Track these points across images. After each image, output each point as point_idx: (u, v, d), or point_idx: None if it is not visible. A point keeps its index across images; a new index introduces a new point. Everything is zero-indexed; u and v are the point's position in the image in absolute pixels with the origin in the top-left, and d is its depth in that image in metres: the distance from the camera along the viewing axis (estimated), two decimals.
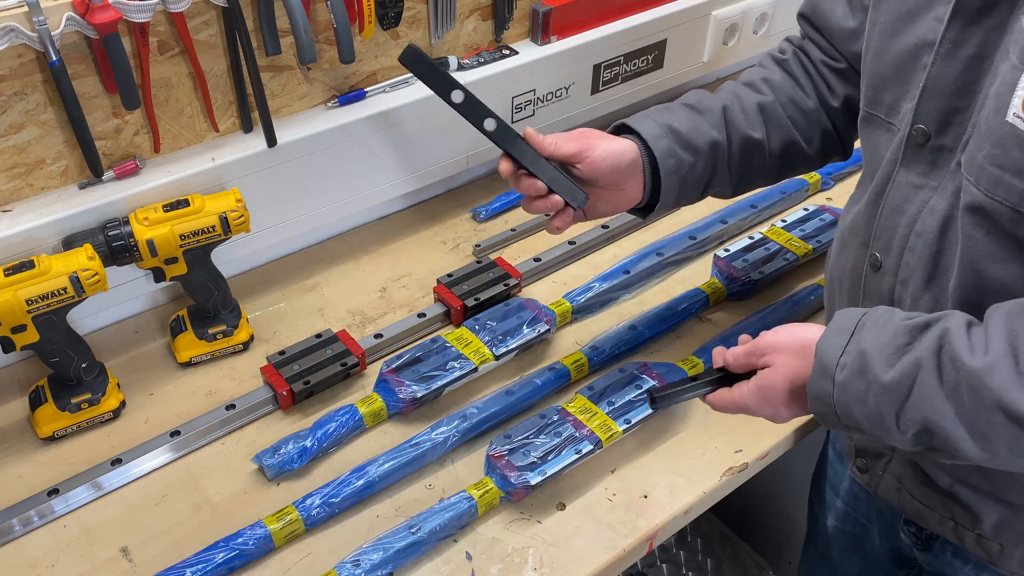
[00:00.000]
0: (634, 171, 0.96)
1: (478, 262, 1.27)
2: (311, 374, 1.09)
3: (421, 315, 1.20)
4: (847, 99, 1.01)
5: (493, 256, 1.30)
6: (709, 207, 1.42)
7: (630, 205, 1.00)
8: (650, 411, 1.03)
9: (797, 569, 1.34)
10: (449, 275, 1.24)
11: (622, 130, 1.01)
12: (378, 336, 1.17)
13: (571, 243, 1.34)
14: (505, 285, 1.23)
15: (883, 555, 1.09)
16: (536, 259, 1.31)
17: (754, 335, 1.16)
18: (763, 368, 0.84)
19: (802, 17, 1.03)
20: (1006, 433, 0.68)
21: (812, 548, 1.23)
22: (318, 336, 1.14)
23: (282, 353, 1.12)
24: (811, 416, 1.08)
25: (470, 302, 1.20)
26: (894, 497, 0.95)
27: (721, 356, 0.90)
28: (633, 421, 1.02)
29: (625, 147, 0.96)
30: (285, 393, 1.07)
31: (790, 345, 0.82)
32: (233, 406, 1.07)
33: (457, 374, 1.08)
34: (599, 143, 0.95)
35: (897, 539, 1.03)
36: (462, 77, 1.30)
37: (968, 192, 0.74)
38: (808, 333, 0.82)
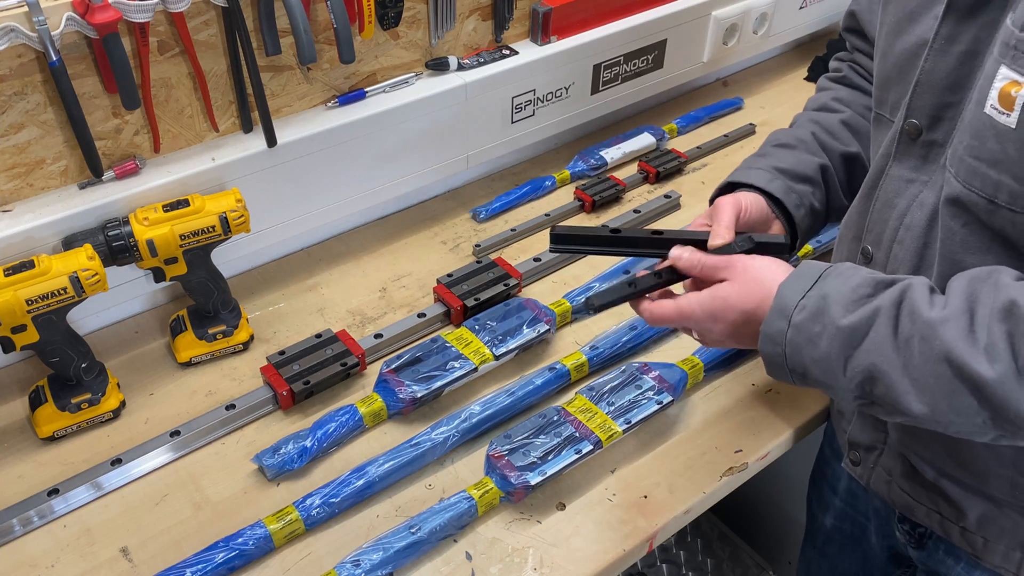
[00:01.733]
0: (770, 217, 0.97)
1: (478, 262, 1.27)
2: (311, 374, 1.09)
3: (421, 315, 1.21)
4: None
5: (493, 256, 1.30)
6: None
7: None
8: (650, 411, 1.03)
9: (796, 567, 1.34)
10: (449, 275, 1.25)
11: (727, 190, 1.01)
12: (378, 336, 1.17)
13: None
14: (505, 285, 1.23)
15: (880, 553, 1.09)
16: (536, 259, 1.31)
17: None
18: (722, 281, 0.84)
19: (848, 31, 1.05)
20: (948, 387, 0.69)
21: (811, 546, 1.24)
22: (318, 336, 1.14)
23: (282, 353, 1.12)
24: (810, 417, 1.09)
25: (470, 302, 1.20)
26: (884, 490, 0.96)
27: (684, 254, 0.87)
28: (633, 421, 1.02)
29: (751, 197, 0.96)
30: (285, 393, 1.07)
31: (759, 280, 0.82)
32: (233, 406, 1.07)
33: (457, 374, 1.08)
34: (741, 198, 0.94)
35: (893, 537, 1.03)
36: (462, 77, 1.30)
37: (948, 184, 0.75)
38: (778, 275, 0.81)
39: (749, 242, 0.89)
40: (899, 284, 0.75)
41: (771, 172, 0.98)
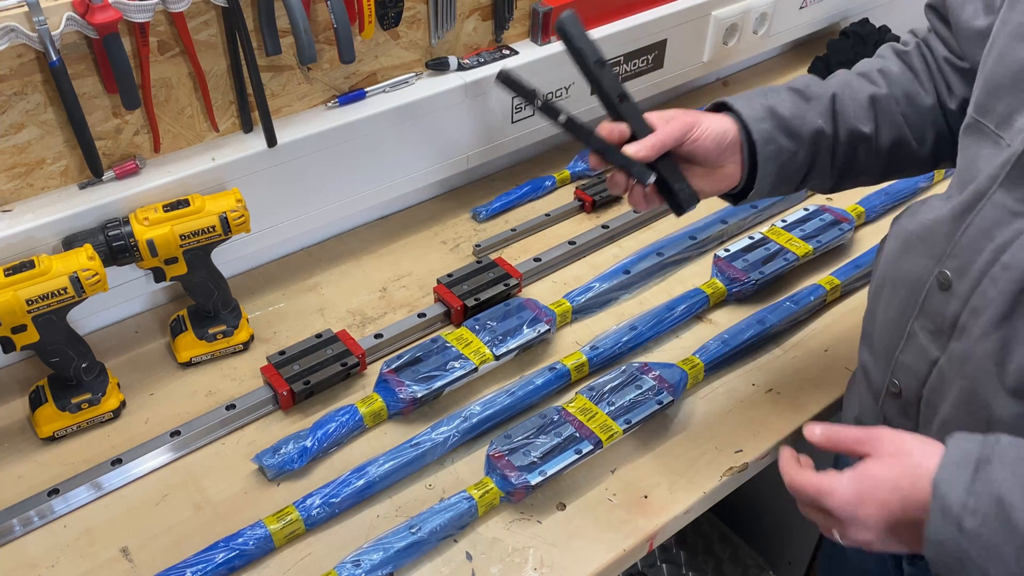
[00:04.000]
0: (734, 151, 0.91)
1: (478, 262, 1.27)
2: (311, 374, 1.09)
3: (421, 315, 1.20)
4: (965, 102, 0.90)
5: (493, 256, 1.30)
6: (709, 207, 1.42)
7: (728, 186, 0.93)
8: (650, 411, 1.03)
9: (817, 563, 1.31)
10: (449, 275, 1.24)
11: (720, 109, 0.94)
12: (378, 336, 1.17)
13: (571, 243, 1.34)
14: (505, 285, 1.23)
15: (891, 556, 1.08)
16: (536, 259, 1.31)
17: (753, 335, 1.17)
18: (867, 459, 0.72)
19: (930, 8, 0.95)
20: None
21: (830, 543, 1.21)
22: (318, 336, 1.14)
23: (282, 353, 1.12)
24: (810, 417, 1.09)
25: (470, 302, 1.20)
26: None
27: (816, 429, 0.77)
28: (633, 421, 1.02)
29: (727, 125, 0.90)
30: (285, 393, 1.07)
31: (908, 451, 0.70)
32: (233, 406, 1.07)
33: (457, 374, 1.08)
34: (702, 119, 0.89)
35: None
36: (462, 77, 1.30)
37: None
38: (927, 452, 0.69)
39: (652, 172, 0.88)
40: None
41: (765, 111, 0.91)
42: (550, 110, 0.90)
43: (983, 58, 0.81)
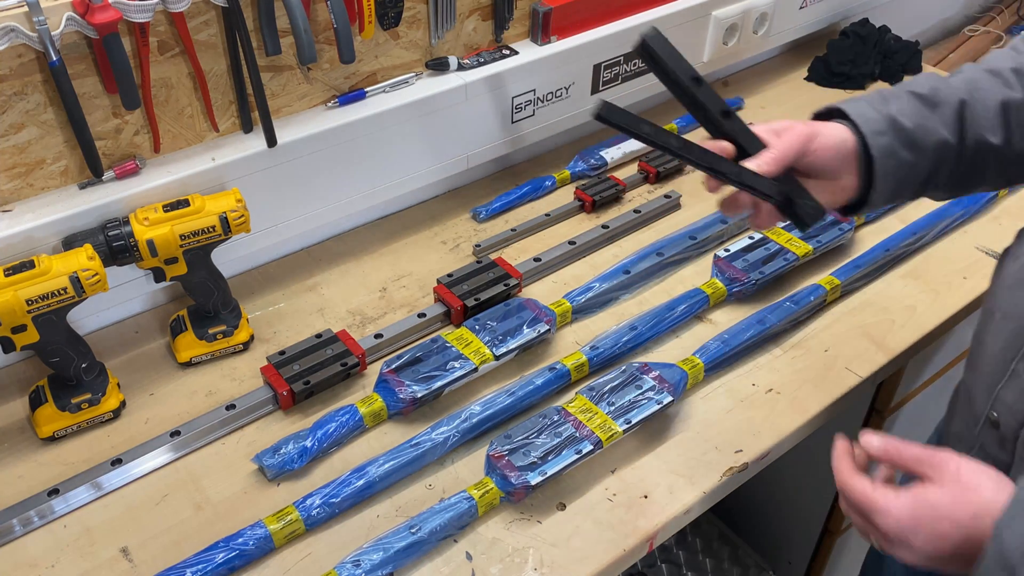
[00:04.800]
0: (851, 163, 0.85)
1: (478, 262, 1.27)
2: (311, 374, 1.09)
3: (421, 315, 1.21)
4: None
5: (493, 256, 1.30)
6: (709, 207, 1.42)
7: (844, 199, 0.88)
8: (650, 411, 1.03)
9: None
10: (449, 275, 1.25)
11: (832, 114, 0.88)
12: (378, 336, 1.17)
13: (571, 243, 1.34)
14: (505, 285, 1.23)
15: None
16: (536, 259, 1.31)
17: (753, 335, 1.17)
18: (927, 483, 0.69)
19: None
20: None
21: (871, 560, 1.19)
22: (318, 336, 1.14)
23: (282, 353, 1.12)
24: (810, 417, 1.09)
25: (470, 302, 1.20)
26: None
27: (875, 440, 0.73)
28: (633, 421, 1.02)
29: (844, 135, 0.84)
30: (285, 393, 1.07)
31: (974, 488, 0.67)
32: (233, 406, 1.07)
33: (457, 374, 1.08)
34: (820, 129, 0.84)
35: None
36: (462, 77, 1.30)
37: None
38: (997, 493, 0.66)
39: (780, 190, 0.82)
40: None
41: (886, 122, 0.83)
42: (663, 138, 0.82)
43: None
